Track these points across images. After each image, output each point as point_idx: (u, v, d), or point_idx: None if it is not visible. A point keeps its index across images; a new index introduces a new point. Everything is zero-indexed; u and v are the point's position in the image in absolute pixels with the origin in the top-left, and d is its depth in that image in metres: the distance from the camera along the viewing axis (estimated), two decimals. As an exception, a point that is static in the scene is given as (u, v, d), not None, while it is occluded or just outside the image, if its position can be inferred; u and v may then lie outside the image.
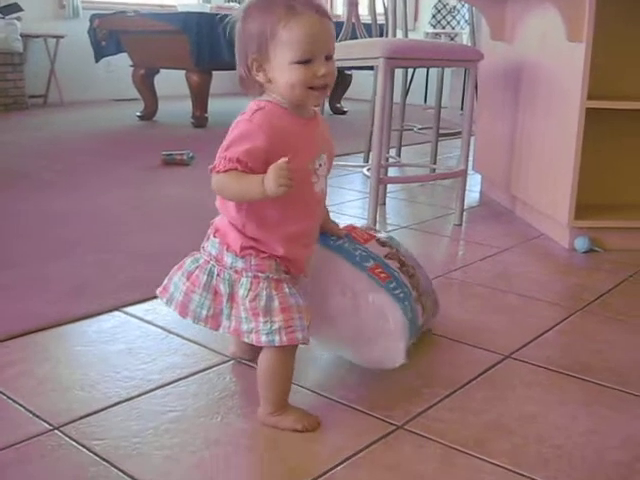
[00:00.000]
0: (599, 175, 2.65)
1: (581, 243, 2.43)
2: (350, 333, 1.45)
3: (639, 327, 1.82)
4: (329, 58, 1.23)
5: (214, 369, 1.50)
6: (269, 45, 1.21)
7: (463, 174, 2.71)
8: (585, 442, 1.28)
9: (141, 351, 1.58)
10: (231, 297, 1.27)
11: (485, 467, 1.19)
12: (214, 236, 1.32)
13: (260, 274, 1.26)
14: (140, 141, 4.60)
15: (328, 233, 1.48)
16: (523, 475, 1.17)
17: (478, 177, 3.48)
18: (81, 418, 1.29)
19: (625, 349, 1.68)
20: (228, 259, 1.28)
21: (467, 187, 2.86)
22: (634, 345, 1.71)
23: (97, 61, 5.74)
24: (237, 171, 1.19)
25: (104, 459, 1.17)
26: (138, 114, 5.56)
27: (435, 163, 3.70)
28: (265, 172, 1.18)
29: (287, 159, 1.15)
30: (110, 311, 1.79)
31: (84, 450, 1.19)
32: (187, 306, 1.31)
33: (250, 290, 1.25)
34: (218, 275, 1.29)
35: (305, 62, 1.20)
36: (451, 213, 2.85)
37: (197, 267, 1.32)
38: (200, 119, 5.20)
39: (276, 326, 1.23)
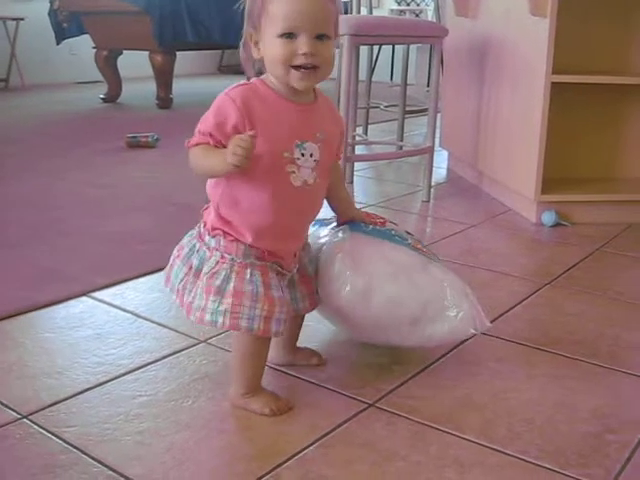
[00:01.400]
0: (565, 150, 2.67)
1: (548, 217, 2.45)
2: (413, 314, 1.36)
3: (606, 299, 1.84)
4: (322, 38, 1.16)
5: (184, 352, 1.49)
6: (261, 18, 1.18)
7: (430, 151, 2.71)
8: (555, 415, 1.29)
9: (110, 336, 1.56)
10: (197, 273, 1.27)
11: (456, 442, 1.20)
12: (202, 213, 1.32)
13: (227, 255, 1.24)
14: (104, 124, 4.55)
15: (356, 220, 1.43)
16: (494, 449, 1.18)
17: (445, 154, 3.49)
18: (50, 406, 1.28)
19: (593, 321, 1.70)
20: (206, 236, 1.27)
21: (434, 164, 2.86)
22: (601, 317, 1.73)
23: (58, 43, 5.64)
24: (208, 145, 1.18)
25: (74, 446, 1.16)
26: (102, 96, 5.49)
27: (402, 140, 3.69)
28: None
29: (254, 132, 1.13)
30: (78, 296, 1.77)
31: (54, 438, 1.18)
32: (169, 276, 1.32)
33: (213, 268, 1.24)
34: (197, 251, 1.28)
35: (288, 37, 1.15)
36: (419, 190, 2.85)
37: (188, 241, 1.32)
38: (165, 100, 5.15)
39: (222, 307, 1.21)
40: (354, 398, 1.33)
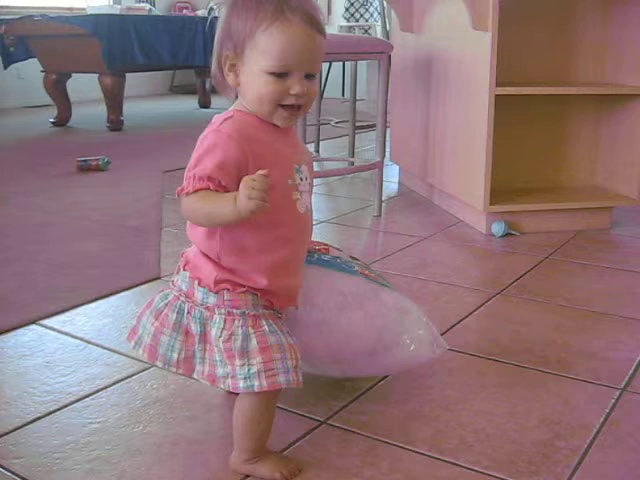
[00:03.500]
0: (512, 160, 2.70)
1: (498, 228, 2.48)
2: (370, 343, 1.32)
3: (555, 307, 1.86)
4: (310, 77, 1.09)
5: (135, 377, 1.48)
6: (246, 45, 1.08)
7: (379, 166, 2.73)
8: (506, 424, 1.31)
9: (60, 364, 1.54)
10: (203, 337, 1.13)
11: (408, 456, 1.21)
12: (184, 269, 1.17)
13: (235, 310, 1.12)
14: (54, 148, 4.50)
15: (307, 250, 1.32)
16: (446, 461, 1.19)
17: (396, 168, 3.51)
18: (-2, 437, 1.26)
19: (542, 329, 1.72)
20: (199, 294, 1.13)
21: (386, 178, 2.88)
22: (551, 325, 1.75)
23: (6, 68, 5.58)
24: (208, 191, 1.05)
25: (23, 478, 1.14)
26: (51, 120, 5.44)
27: (353, 156, 3.71)
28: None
29: (265, 171, 1.01)
30: (27, 325, 1.74)
31: (2, 470, 1.16)
32: (156, 349, 1.16)
33: (224, 329, 1.11)
34: (189, 313, 1.14)
35: (279, 75, 1.07)
36: (370, 205, 2.87)
37: (166, 304, 1.17)
38: (115, 123, 5.11)
39: (254, 369, 1.08)
40: (306, 416, 1.33)
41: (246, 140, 1.08)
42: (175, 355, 1.15)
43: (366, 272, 1.40)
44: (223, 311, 1.12)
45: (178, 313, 1.15)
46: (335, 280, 1.35)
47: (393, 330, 1.33)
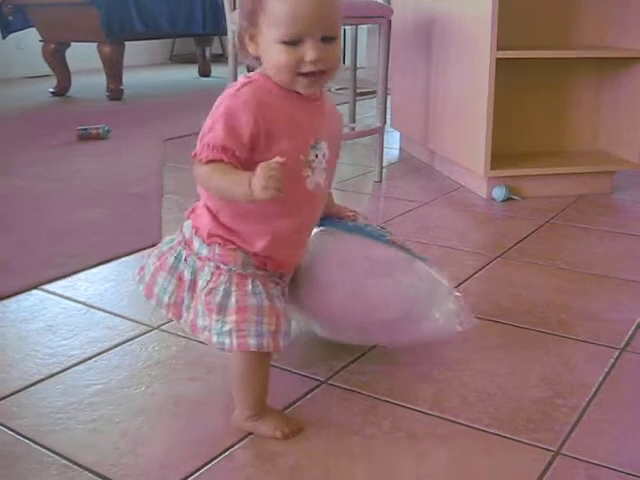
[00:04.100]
0: (513, 125, 2.69)
1: (499, 192, 2.47)
2: (401, 314, 1.30)
3: (556, 270, 1.87)
4: (328, 40, 1.06)
5: (137, 340, 1.48)
6: (259, 15, 1.07)
7: (380, 131, 2.72)
8: (507, 383, 1.32)
9: (62, 327, 1.55)
10: (192, 286, 1.16)
11: (409, 415, 1.22)
12: (188, 217, 1.21)
13: (223, 266, 1.13)
14: (54, 118, 4.48)
15: (338, 215, 1.36)
16: (446, 419, 1.20)
17: (397, 134, 3.50)
18: (1, 399, 1.26)
19: (543, 292, 1.73)
20: (196, 243, 1.16)
21: (386, 144, 2.87)
22: (551, 287, 1.75)
23: (4, 37, 5.55)
24: (223, 163, 1.05)
25: (26, 437, 1.15)
26: (51, 90, 5.41)
27: (354, 122, 3.70)
28: (251, 161, 1.06)
29: (283, 160, 1.00)
30: (29, 290, 1.75)
31: (5, 430, 1.17)
32: (152, 288, 1.21)
33: (210, 281, 1.13)
34: (185, 260, 1.17)
35: (292, 43, 1.05)
36: (371, 171, 2.85)
37: (170, 248, 1.20)
38: (115, 92, 5.09)
39: (227, 327, 1.09)
40: (307, 377, 1.33)
41: (262, 108, 1.07)
42: (166, 297, 1.19)
43: (397, 243, 1.38)
44: (212, 264, 1.14)
45: (176, 258, 1.18)
46: (372, 249, 1.33)
47: (424, 303, 1.30)
